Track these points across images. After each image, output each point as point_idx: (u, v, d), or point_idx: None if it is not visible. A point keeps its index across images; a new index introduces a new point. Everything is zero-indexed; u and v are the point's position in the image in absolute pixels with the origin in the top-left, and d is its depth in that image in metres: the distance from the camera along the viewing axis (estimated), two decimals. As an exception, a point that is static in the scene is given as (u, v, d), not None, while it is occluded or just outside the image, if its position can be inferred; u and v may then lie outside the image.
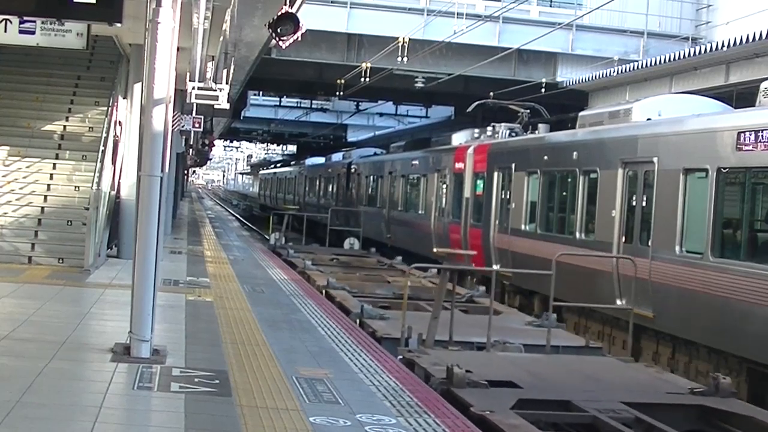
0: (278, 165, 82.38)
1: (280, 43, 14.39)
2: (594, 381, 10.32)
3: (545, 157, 20.23)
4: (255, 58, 25.82)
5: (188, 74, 18.75)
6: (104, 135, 18.91)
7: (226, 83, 20.10)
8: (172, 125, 13.74)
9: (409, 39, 30.64)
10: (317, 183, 50.22)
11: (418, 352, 10.91)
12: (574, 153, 18.66)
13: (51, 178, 18.60)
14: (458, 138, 27.59)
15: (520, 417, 8.30)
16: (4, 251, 17.05)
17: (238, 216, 69.05)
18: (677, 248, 14.69)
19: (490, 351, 11.55)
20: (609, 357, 12.66)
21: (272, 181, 74.17)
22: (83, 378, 8.59)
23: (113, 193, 19.47)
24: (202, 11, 13.87)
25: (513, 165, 21.79)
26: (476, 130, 26.74)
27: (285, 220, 31.66)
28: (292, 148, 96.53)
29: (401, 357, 10.70)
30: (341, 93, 37.99)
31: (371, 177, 37.53)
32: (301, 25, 14.19)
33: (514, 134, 24.54)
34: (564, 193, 19.45)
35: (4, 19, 14.42)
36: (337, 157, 48.63)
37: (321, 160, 53.96)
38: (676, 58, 26.38)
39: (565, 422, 9.02)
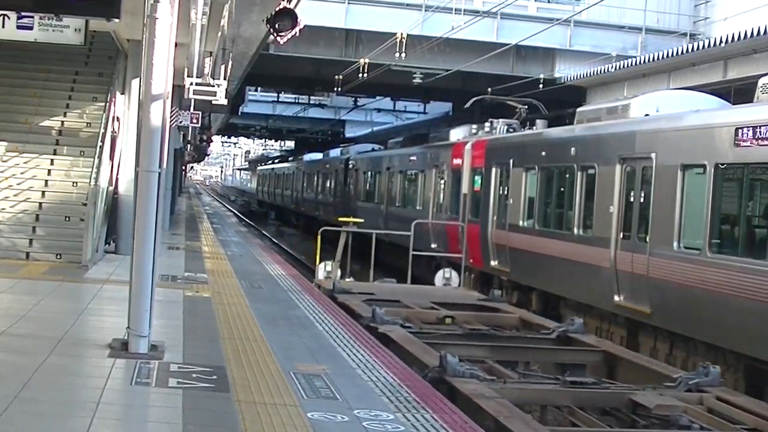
0: (276, 161, 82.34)
1: (278, 38, 14.40)
2: None
3: (543, 153, 20.22)
4: (253, 54, 25.81)
5: (186, 70, 18.78)
6: (102, 131, 18.90)
7: (224, 79, 20.12)
8: (170, 121, 13.75)
9: (407, 35, 30.62)
10: (315, 179, 50.24)
11: None
12: (572, 149, 18.66)
13: (49, 173, 18.58)
14: (456, 134, 27.58)
15: None
16: (2, 247, 17.03)
17: (236, 212, 69.19)
18: (675, 244, 14.70)
19: None
20: None
21: (270, 177, 74.19)
22: (81, 374, 8.59)
23: (111, 188, 19.46)
24: (200, 7, 13.88)
25: (511, 161, 21.78)
26: (474, 126, 26.74)
27: (343, 241, 19.86)
28: (290, 144, 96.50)
29: None
30: (339, 89, 37.98)
31: (369, 173, 37.52)
32: (299, 20, 14.20)
33: (512, 130, 24.54)
34: (562, 189, 19.45)
35: (2, 14, 14.42)
36: (334, 152, 48.65)
37: (319, 155, 53.98)
38: (674, 54, 26.39)
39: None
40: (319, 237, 19.97)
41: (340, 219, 22.33)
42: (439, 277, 18.81)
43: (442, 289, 17.94)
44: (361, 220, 22.74)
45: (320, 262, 18.60)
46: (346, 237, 19.95)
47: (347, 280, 18.15)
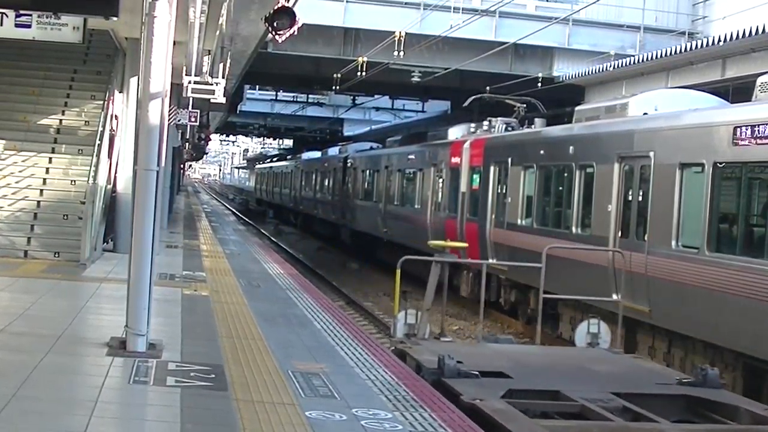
0: (274, 159, 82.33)
1: (277, 37, 14.38)
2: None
3: (541, 152, 20.22)
4: (251, 53, 25.80)
5: (185, 68, 18.76)
6: (100, 129, 18.90)
7: (223, 77, 20.12)
8: (169, 119, 13.75)
9: (406, 33, 30.59)
10: (313, 177, 50.22)
11: None
12: (571, 147, 18.65)
13: (47, 172, 18.58)
14: (454, 132, 27.58)
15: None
16: (0, 245, 17.03)
17: (235, 210, 69.19)
18: (673, 243, 14.70)
19: None
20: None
21: (268, 176, 74.21)
22: (79, 372, 8.59)
23: (109, 187, 19.46)
24: (199, 5, 13.86)
25: (509, 159, 21.78)
26: (472, 125, 26.74)
27: (435, 279, 12.78)
28: (288, 143, 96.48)
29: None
30: (338, 87, 37.94)
31: (367, 171, 37.51)
32: (297, 19, 14.19)
33: (510, 129, 24.54)
34: (560, 188, 19.45)
35: (0, 12, 14.40)
36: (333, 151, 48.64)
37: (317, 154, 53.97)
38: (673, 52, 26.37)
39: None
40: (398, 271, 12.72)
41: (432, 243, 14.79)
42: (581, 332, 12.57)
43: (602, 357, 11.71)
44: (466, 245, 16.05)
45: (400, 312, 12.29)
46: (442, 270, 12.84)
47: (444, 339, 12.52)
